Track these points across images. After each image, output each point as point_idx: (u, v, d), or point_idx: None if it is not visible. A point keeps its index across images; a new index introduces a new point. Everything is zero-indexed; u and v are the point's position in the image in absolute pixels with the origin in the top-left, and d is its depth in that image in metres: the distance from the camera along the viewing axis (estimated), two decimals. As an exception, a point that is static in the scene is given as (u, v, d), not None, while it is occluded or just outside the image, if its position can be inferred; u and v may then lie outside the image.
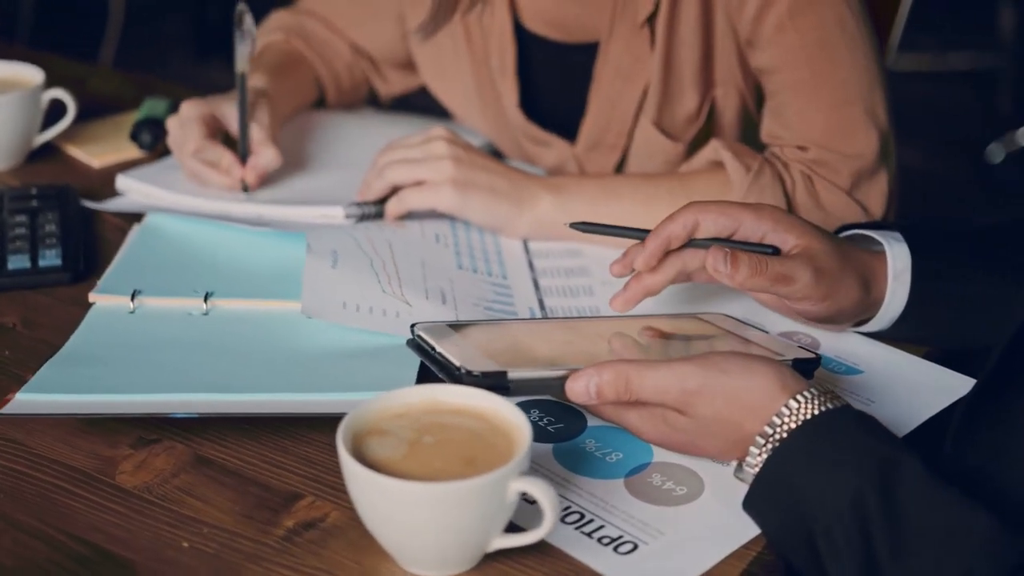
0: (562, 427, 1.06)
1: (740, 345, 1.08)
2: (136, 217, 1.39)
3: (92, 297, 1.20)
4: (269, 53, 1.62)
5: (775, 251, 1.11)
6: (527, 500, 0.94)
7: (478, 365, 0.99)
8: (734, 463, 0.99)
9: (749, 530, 0.95)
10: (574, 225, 1.18)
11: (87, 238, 1.35)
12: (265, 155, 1.42)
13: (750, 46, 1.36)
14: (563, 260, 1.34)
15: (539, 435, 1.05)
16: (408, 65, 1.68)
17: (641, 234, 1.15)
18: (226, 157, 1.42)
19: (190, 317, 1.18)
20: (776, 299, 1.18)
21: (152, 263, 1.26)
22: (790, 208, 1.30)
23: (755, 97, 1.44)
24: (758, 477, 0.94)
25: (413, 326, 1.09)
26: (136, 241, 1.31)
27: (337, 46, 1.66)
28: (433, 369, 1.04)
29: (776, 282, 1.08)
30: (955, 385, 1.13)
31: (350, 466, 0.87)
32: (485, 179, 1.34)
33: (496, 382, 0.98)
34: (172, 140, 1.46)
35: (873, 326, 1.17)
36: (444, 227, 1.36)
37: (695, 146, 1.46)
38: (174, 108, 1.61)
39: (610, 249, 1.34)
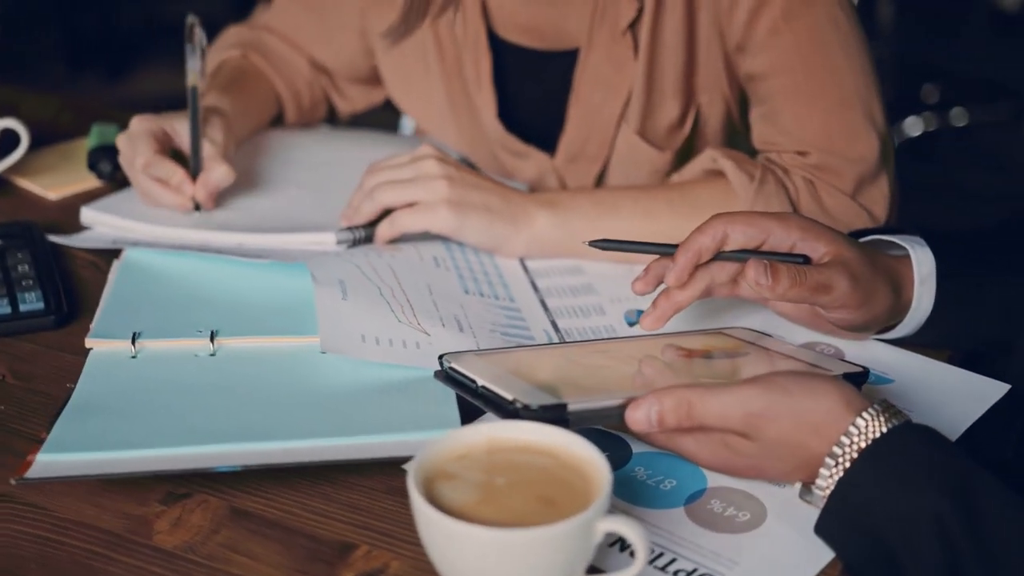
0: (608, 456, 1.02)
1: (785, 363, 1.06)
2: (110, 252, 1.31)
3: (89, 343, 1.13)
4: (226, 69, 1.55)
5: (806, 260, 1.09)
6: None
7: (533, 398, 0.95)
8: (797, 485, 0.97)
9: (823, 554, 0.93)
10: (594, 243, 1.14)
11: (62, 277, 1.27)
12: (217, 171, 1.36)
13: (740, 51, 1.34)
14: (565, 278, 1.30)
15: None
16: (369, 80, 1.63)
17: (665, 249, 1.12)
18: (177, 174, 1.35)
19: (197, 359, 1.11)
20: (798, 309, 1.16)
21: (144, 302, 1.19)
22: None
23: (739, 104, 1.42)
24: (831, 500, 0.91)
25: (441, 357, 1.05)
26: (121, 279, 1.23)
27: (297, 62, 1.60)
28: (476, 403, 0.99)
29: (816, 291, 1.06)
30: (987, 390, 1.12)
31: (429, 515, 0.82)
32: (480, 198, 1.29)
33: (556, 415, 0.94)
34: (123, 158, 1.39)
35: (899, 332, 1.15)
36: (440, 249, 1.31)
37: (681, 154, 1.43)
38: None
39: (612, 265, 1.31)
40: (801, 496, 0.96)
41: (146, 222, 1.36)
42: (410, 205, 1.30)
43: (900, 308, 1.13)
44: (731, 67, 1.38)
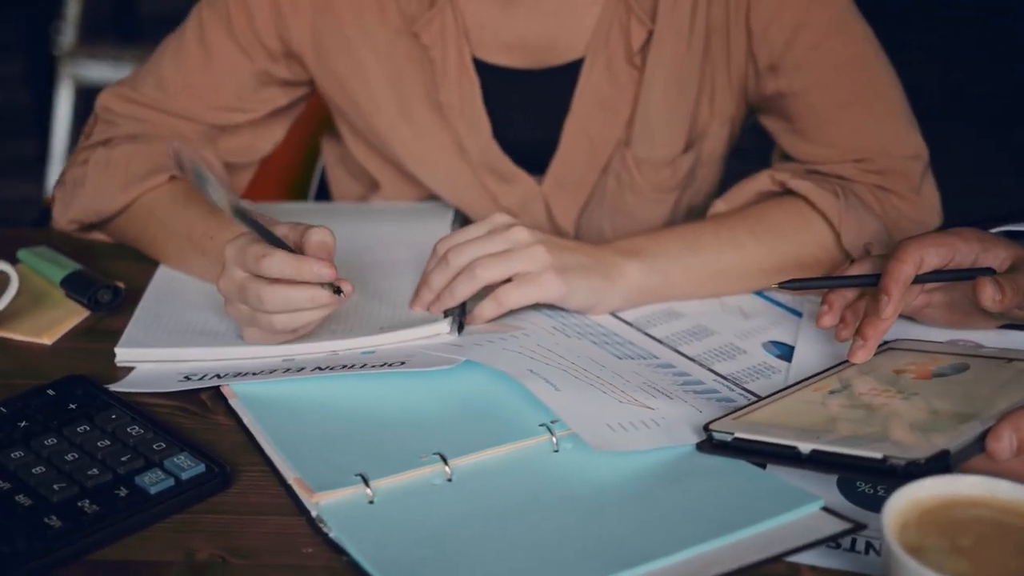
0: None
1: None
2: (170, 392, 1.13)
3: (317, 497, 0.97)
4: (179, 198, 1.35)
5: (991, 271, 1.12)
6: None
7: (907, 452, 0.92)
8: None
9: None
10: (784, 284, 1.13)
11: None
12: (318, 232, 1.12)
13: (773, 71, 1.34)
14: (672, 324, 1.25)
15: (878, 505, 0.99)
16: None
17: (862, 281, 1.13)
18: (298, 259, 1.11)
19: (434, 488, 0.99)
20: (950, 312, 1.18)
21: (321, 440, 1.04)
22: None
23: (743, 123, 1.43)
24: None
25: (708, 428, 1.01)
26: (268, 421, 1.06)
27: (211, 159, 1.41)
28: (797, 467, 0.97)
29: None
30: None
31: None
32: (575, 259, 1.23)
33: (942, 464, 0.92)
34: (230, 291, 1.15)
35: None
36: (546, 319, 1.23)
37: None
38: (70, 255, 1.34)
39: (699, 302, 1.29)
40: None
41: (195, 346, 1.18)
42: (509, 279, 1.21)
43: None
44: (747, 90, 1.38)
